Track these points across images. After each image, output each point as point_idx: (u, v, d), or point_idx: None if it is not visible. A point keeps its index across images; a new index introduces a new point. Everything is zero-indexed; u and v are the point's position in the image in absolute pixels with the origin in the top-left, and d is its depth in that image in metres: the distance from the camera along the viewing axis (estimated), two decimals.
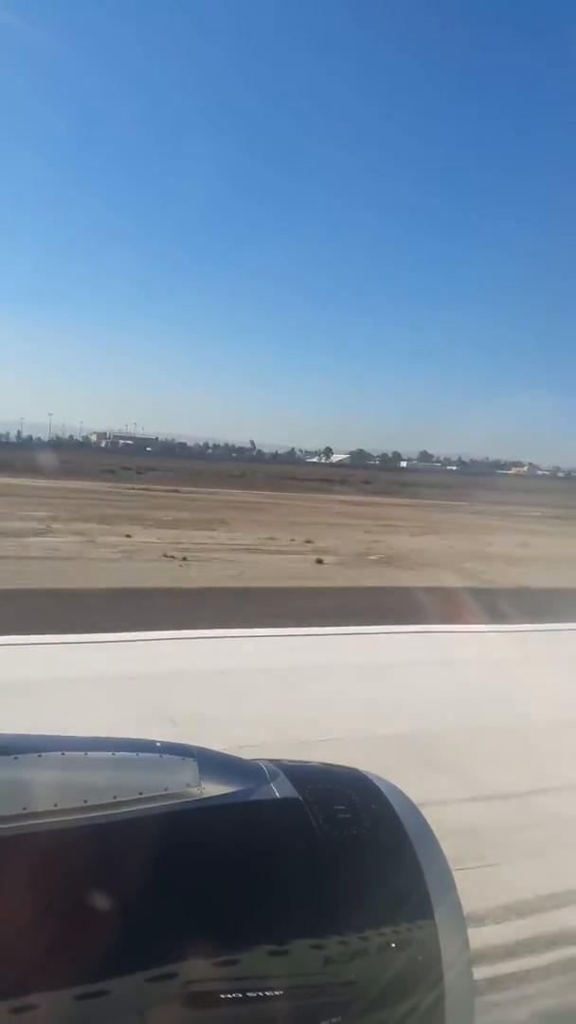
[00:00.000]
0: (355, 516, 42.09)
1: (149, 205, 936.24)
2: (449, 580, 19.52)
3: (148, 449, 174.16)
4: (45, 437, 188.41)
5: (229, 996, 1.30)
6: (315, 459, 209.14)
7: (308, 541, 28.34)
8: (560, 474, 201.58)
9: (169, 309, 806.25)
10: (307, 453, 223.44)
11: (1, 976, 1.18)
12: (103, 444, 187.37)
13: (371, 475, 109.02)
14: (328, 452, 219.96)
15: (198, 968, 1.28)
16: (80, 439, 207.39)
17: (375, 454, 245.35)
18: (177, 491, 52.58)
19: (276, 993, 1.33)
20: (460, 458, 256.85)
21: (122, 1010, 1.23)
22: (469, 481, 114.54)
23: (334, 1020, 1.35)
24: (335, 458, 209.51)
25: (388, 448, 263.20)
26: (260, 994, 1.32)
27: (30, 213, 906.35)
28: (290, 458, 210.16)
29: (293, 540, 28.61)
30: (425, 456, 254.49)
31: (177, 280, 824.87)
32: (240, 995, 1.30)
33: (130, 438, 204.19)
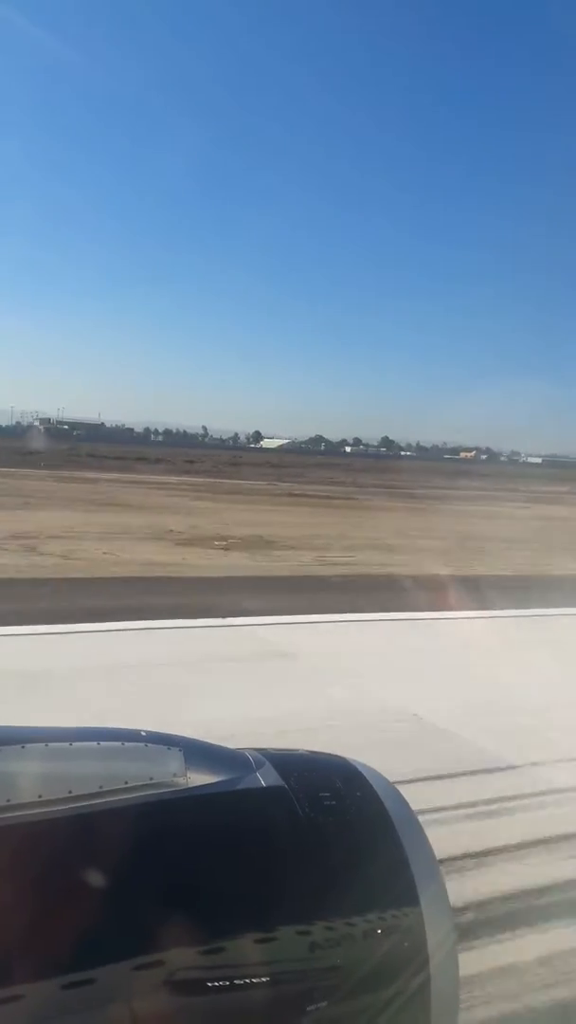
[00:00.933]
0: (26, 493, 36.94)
1: (109, 186, 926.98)
2: None
3: (76, 433, 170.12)
4: None
5: (215, 983, 1.31)
6: (257, 444, 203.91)
7: None
8: (502, 458, 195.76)
9: (136, 296, 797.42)
10: (249, 438, 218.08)
11: None
12: (30, 426, 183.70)
13: (235, 457, 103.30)
14: (257, 436, 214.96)
15: (184, 956, 1.30)
16: (26, 424, 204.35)
17: (334, 440, 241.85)
18: None
19: (262, 979, 1.35)
20: (419, 444, 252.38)
21: (109, 999, 1.25)
22: (377, 465, 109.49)
23: (320, 1005, 1.36)
24: (271, 443, 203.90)
25: (353, 435, 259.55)
26: (246, 981, 1.34)
27: None
28: (233, 444, 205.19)
29: None
30: (386, 442, 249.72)
31: (149, 270, 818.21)
32: (226, 982, 1.32)
33: (66, 423, 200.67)
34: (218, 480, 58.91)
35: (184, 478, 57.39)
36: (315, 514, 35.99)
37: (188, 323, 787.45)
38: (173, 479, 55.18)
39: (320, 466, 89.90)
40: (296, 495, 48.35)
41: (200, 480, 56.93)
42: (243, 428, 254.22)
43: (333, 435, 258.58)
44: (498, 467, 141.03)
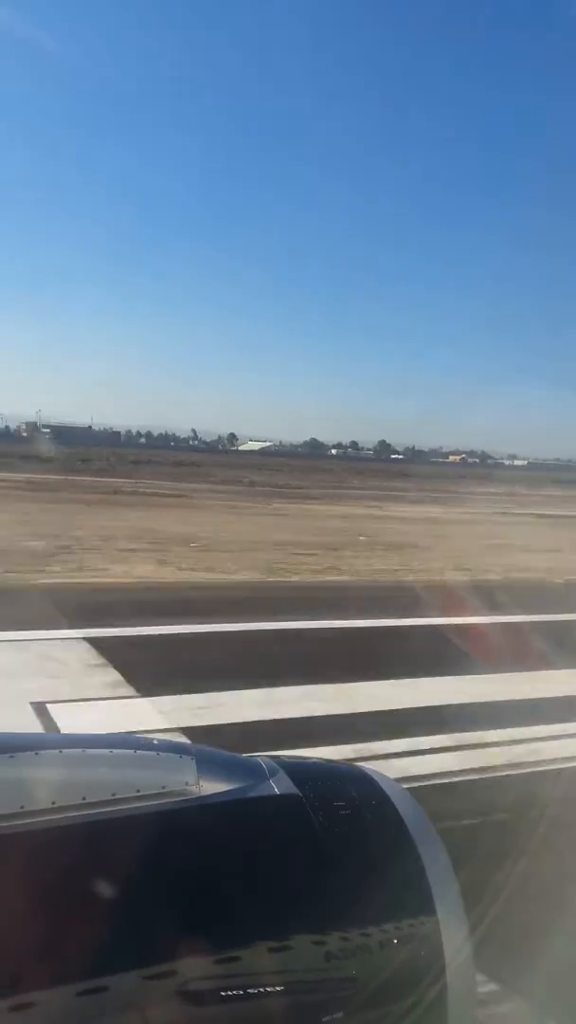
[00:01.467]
0: None
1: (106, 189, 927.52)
2: None
3: (47, 435, 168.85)
4: None
5: (229, 993, 1.31)
6: (234, 447, 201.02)
7: None
8: (489, 462, 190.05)
9: (133, 298, 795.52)
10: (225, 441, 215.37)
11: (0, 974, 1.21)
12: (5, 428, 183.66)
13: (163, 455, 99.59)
14: (232, 439, 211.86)
15: (197, 966, 1.29)
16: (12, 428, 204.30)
17: (330, 444, 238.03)
18: None
19: (276, 990, 1.34)
20: (415, 447, 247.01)
21: (121, 1008, 1.24)
22: (335, 467, 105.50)
23: (336, 1016, 1.36)
24: (254, 445, 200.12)
25: (352, 438, 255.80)
26: (261, 991, 1.33)
27: None
28: (220, 447, 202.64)
29: None
30: (382, 445, 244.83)
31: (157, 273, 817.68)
32: (240, 992, 1.31)
33: (48, 426, 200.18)
34: (88, 479, 55.25)
35: (40, 476, 53.73)
36: (80, 512, 32.00)
37: (186, 327, 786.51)
38: (16, 477, 51.63)
39: (258, 468, 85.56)
40: (124, 493, 44.39)
41: (56, 479, 53.18)
42: (235, 431, 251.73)
43: (331, 439, 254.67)
44: (471, 469, 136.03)
